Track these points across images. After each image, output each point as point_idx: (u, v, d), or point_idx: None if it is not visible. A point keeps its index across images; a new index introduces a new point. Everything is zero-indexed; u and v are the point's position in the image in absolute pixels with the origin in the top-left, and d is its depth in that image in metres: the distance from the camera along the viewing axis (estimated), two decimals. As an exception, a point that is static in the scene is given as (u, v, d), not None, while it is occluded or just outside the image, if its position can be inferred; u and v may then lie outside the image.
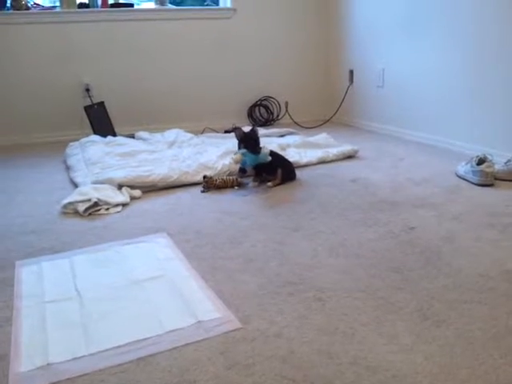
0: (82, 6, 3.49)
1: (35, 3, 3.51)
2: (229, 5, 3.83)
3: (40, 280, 1.40)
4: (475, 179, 2.19)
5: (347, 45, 3.82)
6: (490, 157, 2.21)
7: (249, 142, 2.22)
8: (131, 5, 3.68)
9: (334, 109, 3.95)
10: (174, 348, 1.07)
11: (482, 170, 2.16)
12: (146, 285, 1.33)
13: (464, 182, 2.23)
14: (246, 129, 2.33)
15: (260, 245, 1.59)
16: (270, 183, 2.28)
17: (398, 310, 1.19)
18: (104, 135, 3.10)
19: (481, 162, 2.19)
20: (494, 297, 1.25)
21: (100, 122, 3.38)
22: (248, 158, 2.23)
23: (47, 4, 3.63)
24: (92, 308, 1.23)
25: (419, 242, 1.59)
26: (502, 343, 1.06)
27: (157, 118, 3.72)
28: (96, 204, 1.93)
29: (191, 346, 1.08)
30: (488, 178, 2.16)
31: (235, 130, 2.28)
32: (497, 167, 2.22)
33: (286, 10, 3.94)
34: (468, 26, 2.63)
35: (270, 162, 2.29)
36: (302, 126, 3.77)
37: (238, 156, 2.22)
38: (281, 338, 1.09)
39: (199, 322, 1.15)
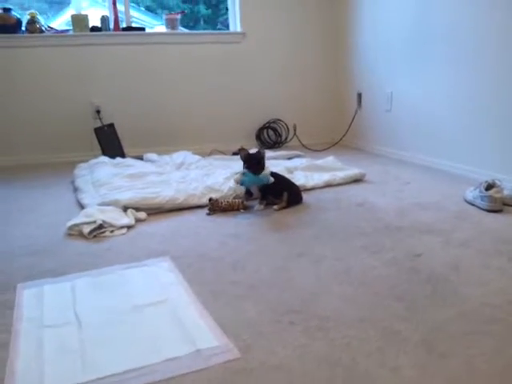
0: (94, 29, 3.56)
1: (49, 26, 3.60)
2: (239, 29, 3.89)
3: (40, 303, 1.39)
4: (484, 205, 2.15)
5: (355, 68, 3.85)
6: (498, 182, 2.18)
7: (250, 162, 2.22)
8: (143, 29, 3.75)
9: (342, 132, 3.95)
10: (172, 378, 1.05)
11: (490, 196, 2.13)
12: (147, 310, 1.32)
13: (472, 207, 2.20)
14: (253, 151, 2.33)
15: (263, 270, 1.57)
16: (275, 206, 2.26)
17: (402, 341, 1.16)
18: (113, 156, 3.13)
19: (489, 187, 2.16)
20: (501, 328, 1.21)
21: (109, 143, 3.42)
22: (247, 178, 2.22)
23: (61, 27, 3.71)
24: (90, 333, 1.22)
25: (425, 269, 1.56)
26: (510, 377, 1.02)
27: (166, 140, 3.75)
28: (101, 226, 1.94)
29: (189, 375, 1.05)
30: (497, 203, 2.13)
31: (240, 151, 2.29)
32: (506, 192, 2.19)
33: (295, 34, 3.99)
34: (478, 49, 2.63)
35: (277, 184, 2.28)
36: (310, 149, 3.78)
37: (239, 176, 2.22)
38: (281, 370, 1.06)
39: (198, 350, 1.13)
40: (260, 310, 1.31)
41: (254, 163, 2.21)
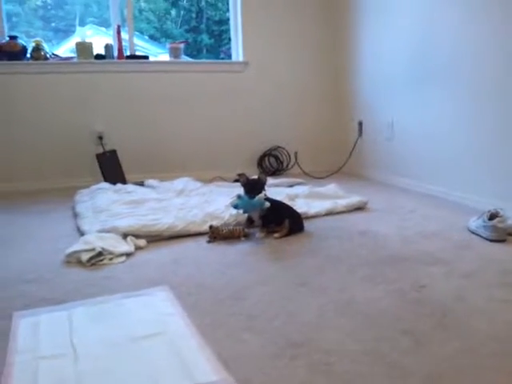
0: (98, 57, 3.61)
1: (54, 54, 3.65)
2: (241, 58, 3.94)
3: (36, 334, 1.36)
4: (487, 234, 2.13)
5: (356, 97, 3.88)
6: (501, 211, 2.17)
7: (247, 186, 2.21)
8: (146, 57, 3.80)
9: (344, 159, 3.96)
10: (169, 414, 1.01)
11: (493, 226, 2.11)
12: (144, 342, 1.28)
13: (476, 236, 2.18)
14: (255, 176, 2.32)
15: (264, 301, 1.54)
16: (276, 234, 2.24)
17: (408, 377, 1.12)
18: (114, 182, 3.13)
19: (493, 216, 2.14)
20: (509, 363, 1.18)
21: (111, 169, 3.42)
22: (241, 202, 2.20)
23: (65, 54, 3.76)
24: (87, 366, 1.18)
25: (429, 301, 1.53)
26: (520, 418, 0.98)
27: (167, 166, 3.76)
28: (100, 254, 1.91)
29: (187, 412, 1.02)
30: (500, 233, 2.11)
31: (240, 176, 2.28)
32: (509, 222, 2.17)
33: (296, 63, 4.04)
34: (478, 76, 2.65)
35: (278, 212, 2.26)
36: (312, 176, 3.78)
37: (234, 199, 2.21)
38: (282, 406, 1.03)
39: (196, 385, 1.09)
40: (261, 343, 1.28)
41: (248, 187, 2.20)
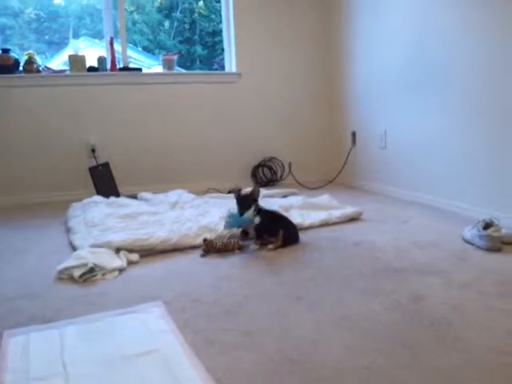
0: (91, 69, 3.60)
1: (46, 67, 3.64)
2: (234, 69, 3.94)
3: (26, 353, 1.32)
4: (482, 244, 2.12)
5: (349, 107, 3.89)
6: (496, 221, 2.16)
7: (237, 202, 2.19)
8: (139, 69, 3.79)
9: (337, 170, 3.96)
10: None
11: (488, 235, 2.10)
12: (137, 361, 1.25)
13: (471, 246, 2.17)
14: (246, 190, 2.30)
15: (259, 315, 1.52)
16: (270, 246, 2.22)
17: (406, 393, 1.10)
18: (107, 196, 3.10)
19: (487, 226, 2.14)
20: (509, 375, 1.16)
21: (104, 182, 3.39)
22: (232, 220, 2.19)
23: (58, 67, 3.75)
24: (78, 386, 1.16)
25: (427, 313, 1.51)
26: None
27: (161, 179, 3.74)
28: (92, 269, 1.88)
29: (181, 433, 0.99)
30: (495, 242, 2.10)
31: (233, 190, 2.27)
32: (504, 231, 2.16)
33: (289, 74, 4.05)
34: (472, 86, 2.66)
35: (272, 223, 2.25)
36: (306, 187, 3.77)
37: (226, 219, 2.20)
38: (278, 426, 1.00)
39: (191, 405, 1.07)
40: (256, 360, 1.25)
41: (238, 202, 2.19)
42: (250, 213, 2.16)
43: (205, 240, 2.20)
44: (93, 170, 3.40)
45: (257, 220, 2.18)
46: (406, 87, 3.19)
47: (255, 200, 2.21)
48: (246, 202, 2.18)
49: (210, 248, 2.17)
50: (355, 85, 3.79)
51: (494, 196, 2.56)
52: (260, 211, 2.21)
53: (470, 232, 2.24)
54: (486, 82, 2.55)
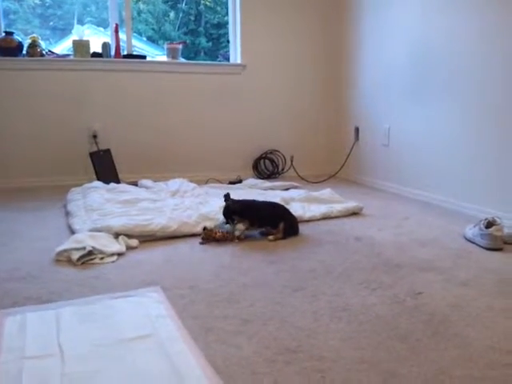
0: (95, 55, 3.58)
1: (50, 51, 3.61)
2: (239, 61, 3.92)
3: (23, 332, 1.31)
4: (483, 243, 2.11)
5: (354, 102, 3.87)
6: (498, 220, 2.15)
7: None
8: (144, 57, 3.77)
9: (339, 165, 3.94)
10: (157, 419, 0.97)
11: (490, 234, 2.09)
12: (133, 345, 1.24)
13: (472, 245, 2.16)
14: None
15: (258, 304, 1.51)
16: (270, 237, 2.21)
17: (404, 386, 1.09)
18: (107, 182, 3.09)
19: (489, 224, 2.13)
20: (507, 374, 1.15)
21: (104, 168, 3.38)
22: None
23: (63, 53, 3.72)
24: (73, 367, 1.14)
25: (426, 308, 1.50)
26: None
27: (162, 167, 3.72)
28: (90, 253, 1.87)
29: (176, 417, 0.98)
30: (497, 241, 2.09)
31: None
32: (506, 231, 2.15)
33: (294, 67, 4.03)
34: (476, 85, 2.65)
35: (274, 214, 2.24)
36: (307, 181, 3.75)
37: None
38: (275, 414, 0.99)
39: (187, 390, 1.05)
40: (254, 348, 1.24)
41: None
42: (229, 226, 2.21)
43: (204, 228, 2.19)
44: (94, 156, 3.38)
45: (237, 233, 2.19)
46: (411, 85, 3.17)
47: (234, 213, 2.20)
48: (226, 214, 2.20)
49: (210, 236, 2.16)
50: (360, 80, 3.77)
51: (496, 195, 2.55)
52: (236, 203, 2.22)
53: (471, 231, 2.23)
54: (490, 80, 2.53)
